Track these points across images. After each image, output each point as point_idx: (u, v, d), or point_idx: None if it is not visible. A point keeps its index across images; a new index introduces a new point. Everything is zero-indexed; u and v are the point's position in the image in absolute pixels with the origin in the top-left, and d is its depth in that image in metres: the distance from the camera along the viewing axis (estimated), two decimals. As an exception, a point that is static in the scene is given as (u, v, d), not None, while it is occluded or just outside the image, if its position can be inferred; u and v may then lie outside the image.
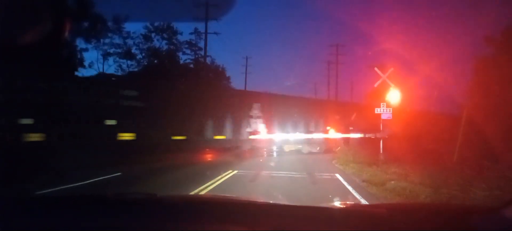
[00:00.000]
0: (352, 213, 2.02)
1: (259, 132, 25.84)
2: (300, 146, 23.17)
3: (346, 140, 27.06)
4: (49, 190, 7.98)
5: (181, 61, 32.44)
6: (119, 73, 29.45)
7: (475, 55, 12.61)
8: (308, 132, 28.58)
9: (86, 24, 24.07)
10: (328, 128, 30.02)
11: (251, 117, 27.25)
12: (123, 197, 2.29)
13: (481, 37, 11.77)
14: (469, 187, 7.40)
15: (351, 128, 28.62)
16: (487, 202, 6.15)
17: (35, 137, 14.58)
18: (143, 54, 30.62)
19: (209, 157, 18.56)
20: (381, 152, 13.93)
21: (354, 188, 8.59)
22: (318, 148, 23.41)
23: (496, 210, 1.63)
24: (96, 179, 9.94)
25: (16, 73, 13.78)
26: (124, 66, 30.02)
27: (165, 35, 30.95)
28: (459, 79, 13.13)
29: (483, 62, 11.99)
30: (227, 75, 36.58)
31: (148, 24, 29.95)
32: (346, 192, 8.17)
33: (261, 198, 3.43)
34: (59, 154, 11.83)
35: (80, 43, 25.33)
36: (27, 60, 12.95)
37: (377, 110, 13.88)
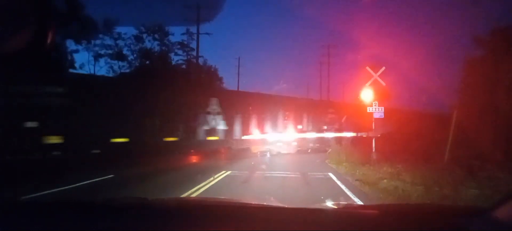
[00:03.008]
0: (345, 215, 2.02)
1: (251, 132, 25.83)
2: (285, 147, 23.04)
3: (339, 139, 27.15)
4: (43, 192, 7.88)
5: (173, 62, 32.33)
6: (111, 74, 29.23)
7: (464, 56, 12.77)
8: (301, 131, 28.65)
9: (76, 25, 23.80)
10: (324, 127, 30.19)
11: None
12: (114, 201, 2.25)
13: (470, 38, 11.91)
14: (460, 186, 7.47)
15: (339, 127, 28.77)
16: (478, 201, 6.21)
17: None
18: (135, 55, 30.43)
19: (200, 158, 18.42)
20: (373, 151, 13.99)
21: (347, 187, 8.63)
22: (299, 148, 23.21)
23: (487, 211, 1.64)
24: (89, 181, 9.83)
25: (4, 78, 13.59)
26: (115, 67, 29.83)
27: (156, 36, 30.77)
28: (449, 80, 13.29)
29: (472, 63, 12.14)
30: (219, 76, 36.57)
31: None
32: (340, 192, 8.20)
33: (254, 200, 3.42)
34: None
35: (70, 44, 25.08)
36: (15, 64, 12.78)
37: (369, 109, 13.93)
